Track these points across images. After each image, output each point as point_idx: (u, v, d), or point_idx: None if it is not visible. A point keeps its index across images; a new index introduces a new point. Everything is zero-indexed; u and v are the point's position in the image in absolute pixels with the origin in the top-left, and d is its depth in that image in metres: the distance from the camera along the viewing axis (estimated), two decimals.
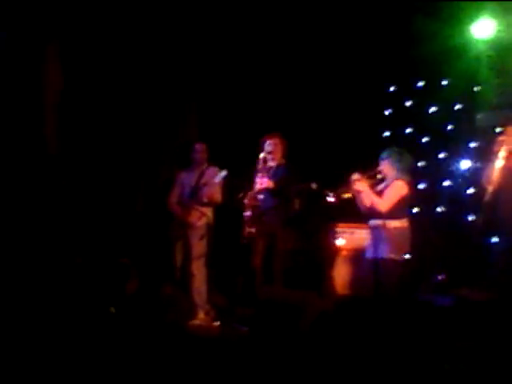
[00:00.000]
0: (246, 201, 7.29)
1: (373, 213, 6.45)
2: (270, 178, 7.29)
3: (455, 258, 7.55)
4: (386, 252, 6.32)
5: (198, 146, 7.69)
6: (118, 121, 8.32)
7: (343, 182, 6.51)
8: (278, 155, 7.43)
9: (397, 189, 6.42)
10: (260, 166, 7.32)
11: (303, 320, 5.95)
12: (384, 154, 6.54)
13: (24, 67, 7.80)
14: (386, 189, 6.47)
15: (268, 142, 7.41)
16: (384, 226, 6.35)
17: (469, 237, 7.36)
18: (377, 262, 6.39)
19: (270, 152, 7.36)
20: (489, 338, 5.55)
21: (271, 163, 7.42)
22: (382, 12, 8.05)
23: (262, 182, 7.24)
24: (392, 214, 6.36)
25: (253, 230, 7.22)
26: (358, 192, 6.45)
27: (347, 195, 6.49)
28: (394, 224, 6.36)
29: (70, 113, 8.11)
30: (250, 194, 7.30)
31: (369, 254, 6.54)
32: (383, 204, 6.36)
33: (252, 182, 7.36)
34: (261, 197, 7.25)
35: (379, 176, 6.57)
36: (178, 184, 7.72)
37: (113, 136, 8.29)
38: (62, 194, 7.93)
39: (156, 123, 8.60)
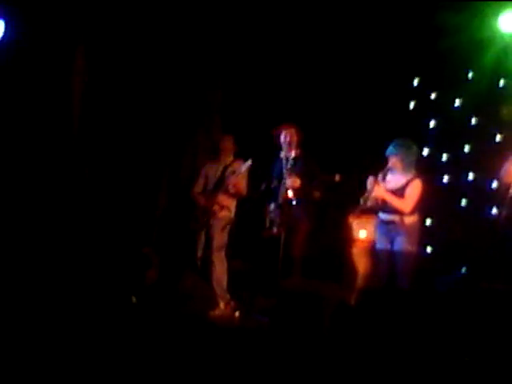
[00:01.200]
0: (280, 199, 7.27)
1: (385, 207, 6.66)
2: (289, 169, 7.27)
3: (478, 251, 7.49)
4: (404, 244, 6.55)
5: (226, 138, 7.76)
6: (142, 112, 8.35)
7: (362, 191, 6.69)
8: (294, 146, 7.40)
9: (416, 188, 6.60)
10: (288, 165, 7.28)
11: (323, 311, 5.94)
12: (392, 149, 6.63)
13: (53, 66, 7.88)
14: (405, 189, 6.60)
15: (284, 132, 7.39)
16: (402, 221, 6.57)
17: (492, 231, 7.30)
18: (394, 255, 6.59)
19: (287, 143, 7.35)
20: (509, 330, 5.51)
21: (287, 154, 7.40)
22: (408, 4, 7.99)
23: (294, 181, 7.22)
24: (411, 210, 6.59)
25: (274, 230, 7.24)
26: (378, 197, 6.63)
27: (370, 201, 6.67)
28: (411, 219, 6.59)
29: (94, 106, 8.17)
30: (283, 197, 7.24)
31: (382, 247, 6.72)
32: (406, 205, 6.56)
33: (279, 179, 7.35)
34: (294, 203, 7.21)
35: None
36: (203, 175, 7.77)
37: (137, 127, 8.33)
38: (85, 184, 7.99)
39: (179, 115, 8.61)
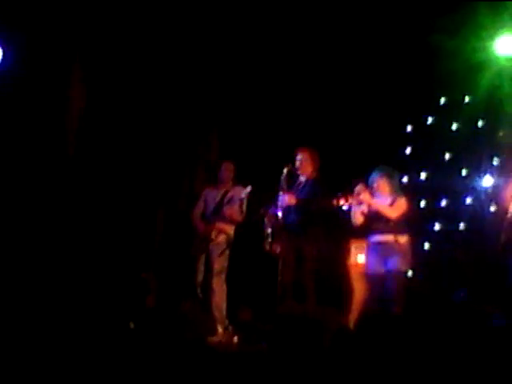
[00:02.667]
0: (266, 219, 7.26)
1: (376, 227, 6.75)
2: (297, 193, 7.21)
3: (476, 276, 7.50)
4: (398, 265, 6.62)
5: (226, 165, 7.75)
6: (139, 138, 8.37)
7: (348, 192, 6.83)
8: (308, 169, 7.31)
9: (402, 204, 6.76)
10: (284, 182, 7.25)
11: (322, 336, 5.92)
12: (378, 173, 6.85)
13: (48, 85, 7.89)
14: (391, 206, 6.77)
15: (297, 156, 7.33)
16: (396, 241, 6.66)
17: (490, 255, 7.31)
18: (386, 276, 6.63)
19: (298, 167, 7.32)
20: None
21: (301, 178, 7.38)
22: (404, 29, 8.04)
23: (284, 199, 7.21)
24: (400, 229, 6.70)
25: (277, 247, 7.14)
26: (363, 202, 6.75)
27: (350, 201, 6.78)
28: (404, 239, 6.69)
29: (91, 130, 8.18)
30: (269, 211, 7.26)
31: (375, 271, 6.73)
32: (393, 211, 6.69)
33: (275, 198, 7.33)
34: (279, 214, 7.20)
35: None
36: (203, 200, 7.77)
37: (135, 152, 8.34)
38: (84, 208, 7.99)
39: (177, 140, 8.63)
